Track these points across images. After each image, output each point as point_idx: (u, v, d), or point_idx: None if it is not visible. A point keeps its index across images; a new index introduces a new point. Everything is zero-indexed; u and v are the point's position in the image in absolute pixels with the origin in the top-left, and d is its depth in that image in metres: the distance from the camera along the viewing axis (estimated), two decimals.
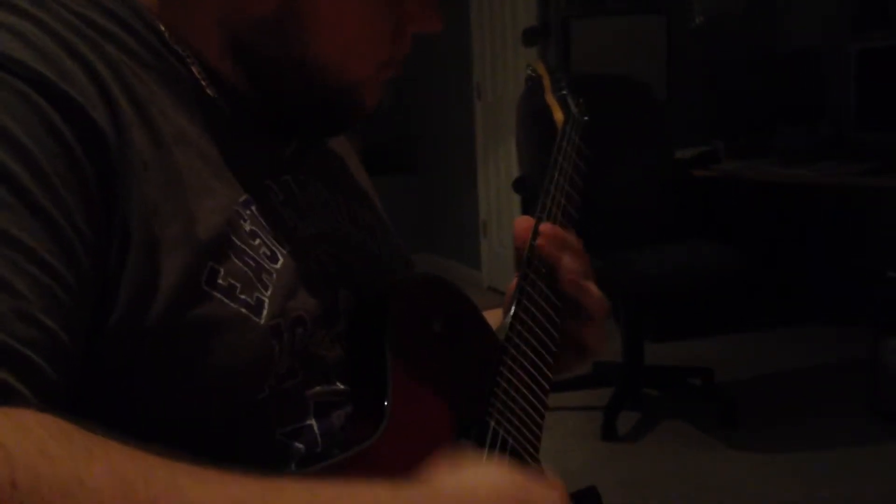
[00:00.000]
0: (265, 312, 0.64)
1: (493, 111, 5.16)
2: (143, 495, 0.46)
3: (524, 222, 0.86)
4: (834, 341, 3.93)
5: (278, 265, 0.67)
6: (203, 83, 0.70)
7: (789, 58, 4.23)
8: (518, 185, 3.24)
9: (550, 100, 1.12)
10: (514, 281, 0.85)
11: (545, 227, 0.84)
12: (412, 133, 6.14)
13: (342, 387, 0.70)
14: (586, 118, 1.08)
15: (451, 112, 5.66)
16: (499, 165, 5.15)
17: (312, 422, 0.67)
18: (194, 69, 0.69)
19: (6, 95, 0.56)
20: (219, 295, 0.62)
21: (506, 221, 5.14)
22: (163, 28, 0.69)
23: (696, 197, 3.83)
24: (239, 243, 0.65)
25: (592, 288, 0.85)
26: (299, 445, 0.66)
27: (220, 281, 0.62)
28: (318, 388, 0.68)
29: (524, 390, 0.77)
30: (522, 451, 0.73)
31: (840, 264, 4.08)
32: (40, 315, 0.53)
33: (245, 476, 0.50)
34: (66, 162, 0.56)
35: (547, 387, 0.79)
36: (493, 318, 0.90)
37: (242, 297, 0.63)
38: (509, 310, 0.82)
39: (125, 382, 0.60)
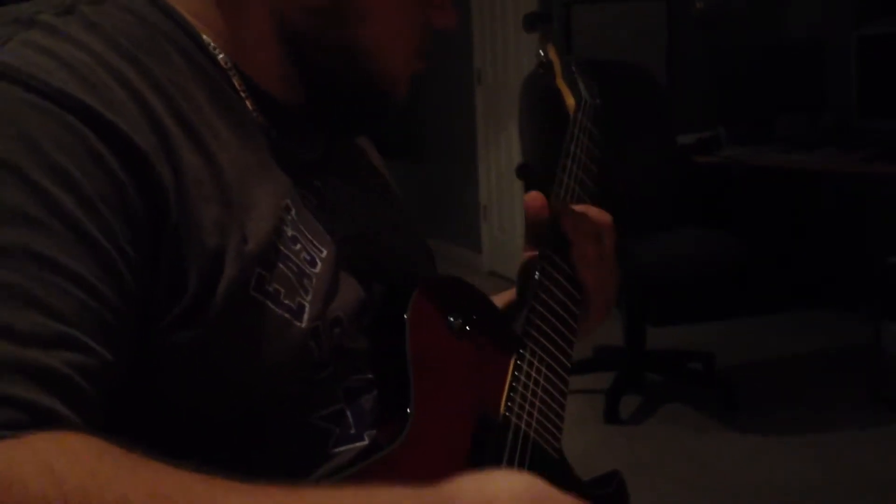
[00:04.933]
0: (306, 316, 0.67)
1: (493, 96, 5.16)
2: None
3: (537, 199, 0.87)
4: (835, 327, 3.95)
5: (317, 269, 0.70)
6: (243, 94, 0.72)
7: (791, 45, 4.23)
8: (521, 171, 3.23)
9: (561, 84, 1.11)
10: (526, 257, 0.87)
11: (568, 208, 0.87)
12: (413, 118, 6.14)
13: (370, 376, 0.73)
14: (598, 101, 1.08)
15: (451, 97, 5.66)
16: (499, 150, 5.15)
17: (344, 406, 0.70)
18: (235, 81, 0.72)
19: (54, 127, 0.59)
20: (265, 301, 0.65)
21: (506, 206, 5.15)
22: (207, 39, 0.71)
23: (698, 183, 3.83)
24: (283, 250, 0.68)
25: (600, 279, 0.87)
26: (334, 428, 0.69)
27: (267, 287, 0.65)
28: (348, 377, 0.71)
29: (543, 382, 0.78)
30: (544, 444, 0.75)
31: (841, 250, 4.09)
32: (86, 338, 0.56)
33: (271, 486, 0.53)
34: (111, 188, 0.59)
35: (566, 375, 0.81)
36: (502, 300, 0.93)
37: (286, 302, 0.66)
38: (526, 296, 0.84)
39: (168, 377, 0.63)
